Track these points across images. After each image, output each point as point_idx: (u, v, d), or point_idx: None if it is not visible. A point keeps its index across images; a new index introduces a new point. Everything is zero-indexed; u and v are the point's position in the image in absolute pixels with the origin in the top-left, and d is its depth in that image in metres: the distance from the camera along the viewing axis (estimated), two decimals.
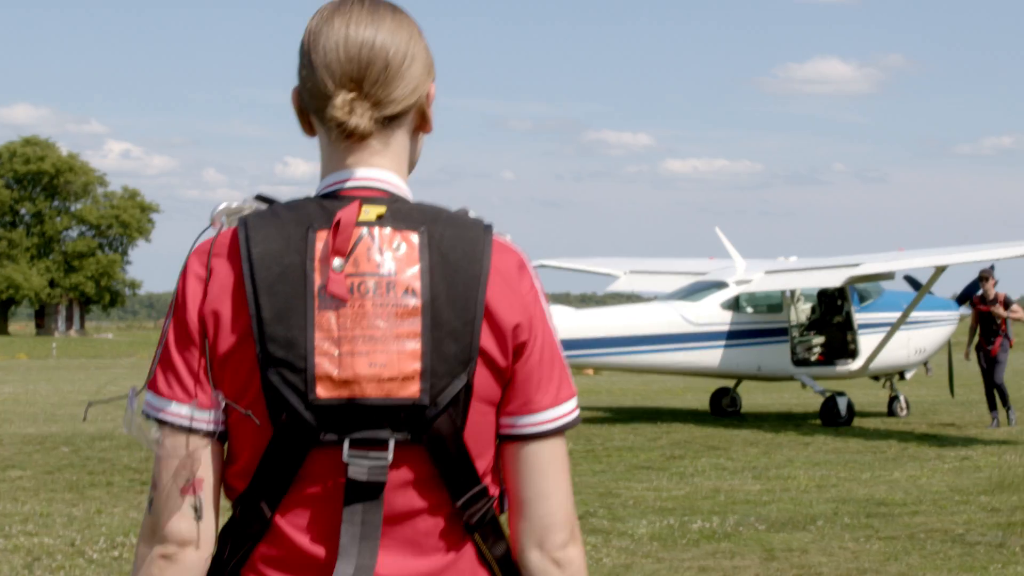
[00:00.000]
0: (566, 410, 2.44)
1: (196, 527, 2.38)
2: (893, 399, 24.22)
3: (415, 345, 2.31)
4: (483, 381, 2.37)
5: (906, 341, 23.18)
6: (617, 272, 26.91)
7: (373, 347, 2.31)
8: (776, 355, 23.42)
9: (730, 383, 25.10)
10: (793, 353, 23.65)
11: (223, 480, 2.43)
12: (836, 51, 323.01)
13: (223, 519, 2.45)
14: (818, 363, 23.72)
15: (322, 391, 2.30)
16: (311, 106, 2.43)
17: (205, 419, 2.36)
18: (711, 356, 23.15)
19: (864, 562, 10.56)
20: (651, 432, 21.52)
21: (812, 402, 26.51)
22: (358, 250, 2.33)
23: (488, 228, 2.41)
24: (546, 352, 2.42)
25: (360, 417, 2.32)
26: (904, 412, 24.02)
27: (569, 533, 2.45)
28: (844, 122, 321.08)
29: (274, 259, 2.31)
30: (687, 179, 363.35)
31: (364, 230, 2.34)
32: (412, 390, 2.31)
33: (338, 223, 2.31)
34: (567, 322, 22.76)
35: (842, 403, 22.68)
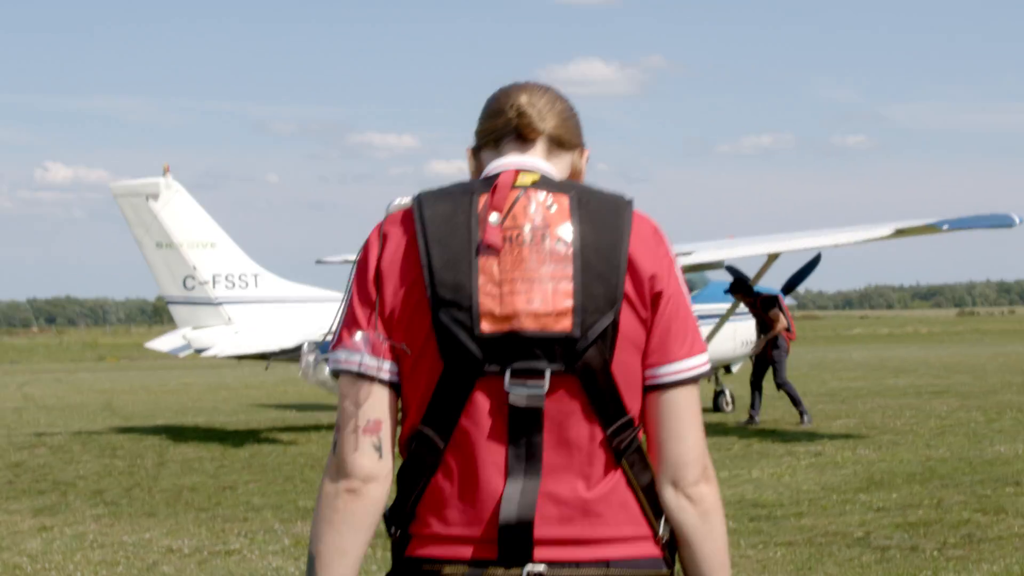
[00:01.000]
0: (699, 362, 2.78)
1: (378, 464, 2.70)
2: (718, 394, 23.18)
3: (567, 285, 2.66)
4: (627, 321, 2.70)
5: (732, 333, 22.14)
6: None
7: (530, 287, 2.66)
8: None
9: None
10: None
11: (404, 413, 2.74)
12: (598, 52, 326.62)
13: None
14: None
15: (486, 326, 2.64)
16: (488, 130, 2.89)
17: (385, 369, 2.71)
18: None
19: (778, 572, 9.45)
20: None
21: None
22: (516, 207, 2.73)
23: (630, 201, 2.77)
24: (681, 308, 2.77)
25: (519, 349, 2.65)
26: (729, 408, 23.08)
27: (701, 471, 2.76)
28: (608, 122, 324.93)
29: (443, 219, 2.71)
30: (453, 180, 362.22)
31: (521, 191, 2.75)
32: (565, 324, 2.65)
33: (496, 186, 2.75)
34: None
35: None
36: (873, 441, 17.66)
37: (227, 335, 20.51)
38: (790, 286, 22.90)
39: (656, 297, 2.75)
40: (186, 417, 24.67)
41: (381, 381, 2.72)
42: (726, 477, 14.42)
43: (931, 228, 17.63)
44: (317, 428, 21.77)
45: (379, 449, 2.70)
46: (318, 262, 27.66)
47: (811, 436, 18.58)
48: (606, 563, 2.71)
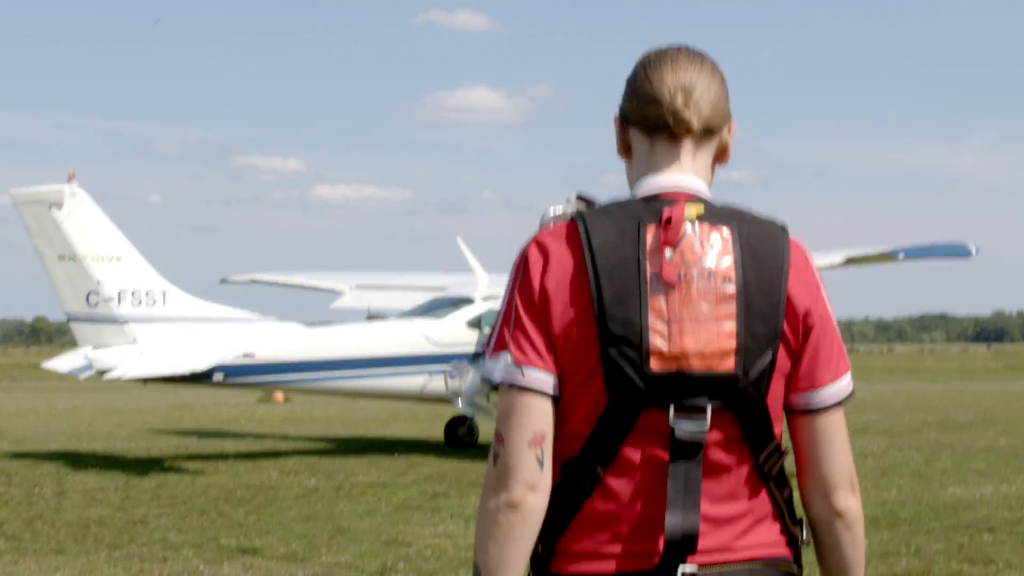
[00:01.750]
0: (844, 384, 2.87)
1: (540, 475, 2.73)
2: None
3: (732, 326, 2.74)
4: (781, 356, 2.81)
5: None
6: (341, 287, 24.32)
7: (697, 327, 2.73)
8: None
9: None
10: None
11: (558, 437, 2.77)
12: (485, 80, 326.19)
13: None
14: None
15: (655, 364, 2.72)
16: (640, 115, 2.88)
17: (551, 383, 2.75)
18: None
19: None
20: (393, 466, 19.15)
21: None
22: (683, 243, 2.76)
23: (784, 228, 2.86)
24: (827, 334, 2.87)
25: (684, 387, 2.73)
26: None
27: (850, 486, 2.89)
28: (494, 151, 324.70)
29: (612, 249, 2.73)
30: (337, 205, 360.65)
31: (687, 226, 2.77)
32: (728, 364, 2.74)
33: (669, 219, 2.75)
34: (296, 341, 20.18)
35: None
36: None
37: (132, 356, 19.20)
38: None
39: (807, 330, 2.85)
40: (81, 443, 23.29)
41: (546, 395, 2.77)
42: None
43: (885, 257, 16.91)
44: (223, 456, 20.56)
45: (541, 461, 2.76)
46: (223, 281, 26.42)
47: None
48: (750, 560, 2.84)
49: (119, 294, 19.57)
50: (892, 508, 14.21)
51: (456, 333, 20.94)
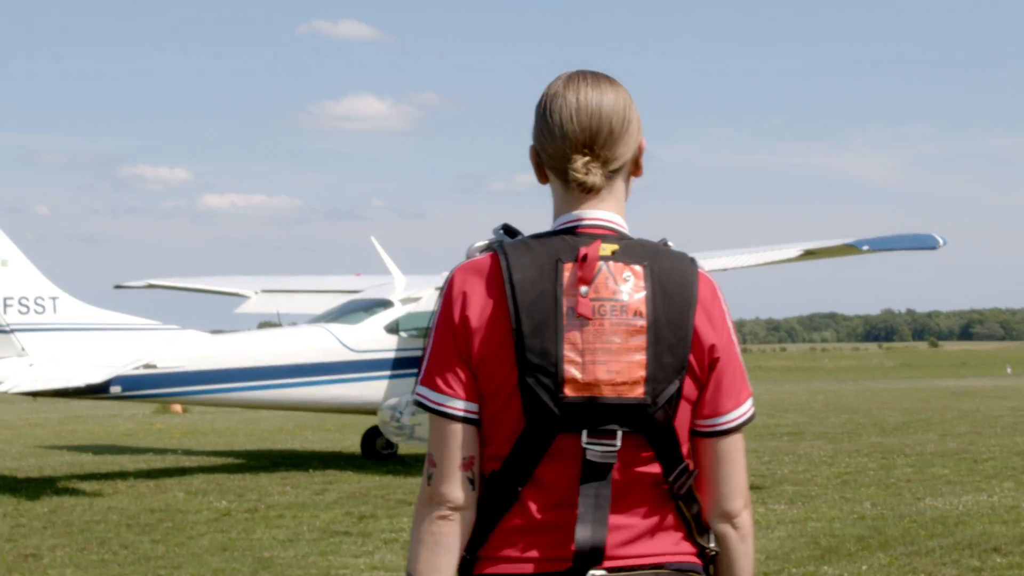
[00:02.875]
0: (745, 409, 3.11)
1: (470, 494, 3.00)
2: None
3: (641, 356, 2.95)
4: (688, 385, 3.02)
5: None
6: (246, 291, 22.58)
7: (609, 358, 2.94)
8: None
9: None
10: None
11: (484, 456, 3.01)
12: (371, 88, 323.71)
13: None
14: None
15: (569, 391, 2.93)
16: (549, 164, 3.08)
17: (474, 411, 2.99)
18: (375, 388, 19.21)
19: None
20: (310, 483, 17.56)
21: None
22: (598, 279, 2.96)
23: (694, 262, 3.05)
24: (730, 364, 3.07)
25: (596, 413, 2.94)
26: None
27: (743, 502, 3.13)
28: (382, 158, 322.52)
29: (531, 284, 2.94)
30: (225, 214, 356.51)
31: (602, 263, 2.97)
32: (638, 392, 2.95)
33: (584, 257, 2.95)
34: (200, 349, 18.49)
35: None
36: (778, 494, 15.52)
37: (21, 368, 17.40)
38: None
39: (713, 362, 3.04)
40: None
41: (472, 422, 2.99)
42: None
43: (848, 249, 15.64)
44: (123, 475, 18.84)
45: (472, 481, 3.00)
46: (117, 287, 24.56)
47: None
48: (659, 566, 3.04)
49: (4, 301, 17.73)
50: (875, 525, 12.91)
51: (373, 338, 19.35)
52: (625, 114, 3.07)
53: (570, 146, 3.03)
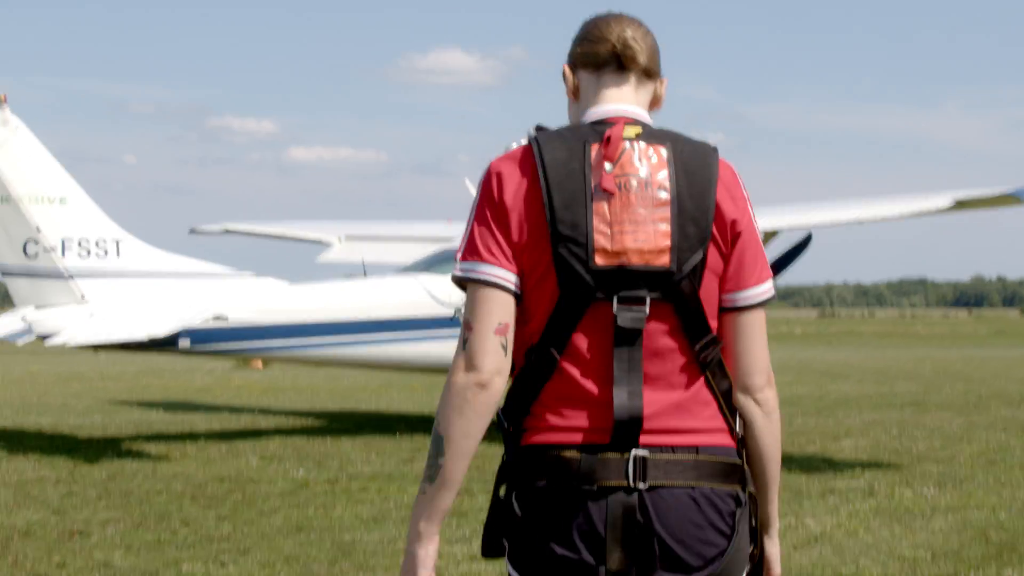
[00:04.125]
0: (766, 287, 3.31)
1: (504, 360, 3.16)
2: None
3: (666, 227, 3.17)
4: (712, 256, 3.22)
5: None
6: (330, 238, 20.91)
7: (636, 228, 3.16)
8: None
9: None
10: None
11: (520, 330, 3.19)
12: (458, 42, 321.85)
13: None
14: None
15: (599, 259, 3.14)
16: (588, 54, 3.33)
17: (514, 281, 3.18)
18: None
19: None
20: (396, 451, 15.95)
21: None
22: (623, 157, 3.19)
23: (715, 149, 3.28)
24: (751, 243, 3.29)
25: (626, 279, 3.15)
26: None
27: (766, 379, 3.32)
28: (469, 113, 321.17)
29: (561, 164, 3.17)
30: (312, 167, 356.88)
31: (627, 143, 3.20)
32: (664, 260, 3.16)
33: (608, 137, 3.19)
34: (276, 301, 16.87)
35: None
36: (922, 474, 13.70)
37: (80, 318, 15.81)
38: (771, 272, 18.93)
39: (735, 237, 3.26)
40: (28, 417, 20.09)
41: (508, 290, 3.16)
42: None
43: (1007, 199, 13.76)
44: (193, 437, 17.34)
45: (505, 348, 3.15)
46: (192, 231, 22.98)
47: (829, 463, 14.61)
48: (695, 448, 3.20)
49: (63, 243, 16.15)
50: None
51: None
52: (655, 43, 3.37)
53: (614, 33, 3.31)
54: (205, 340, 16.04)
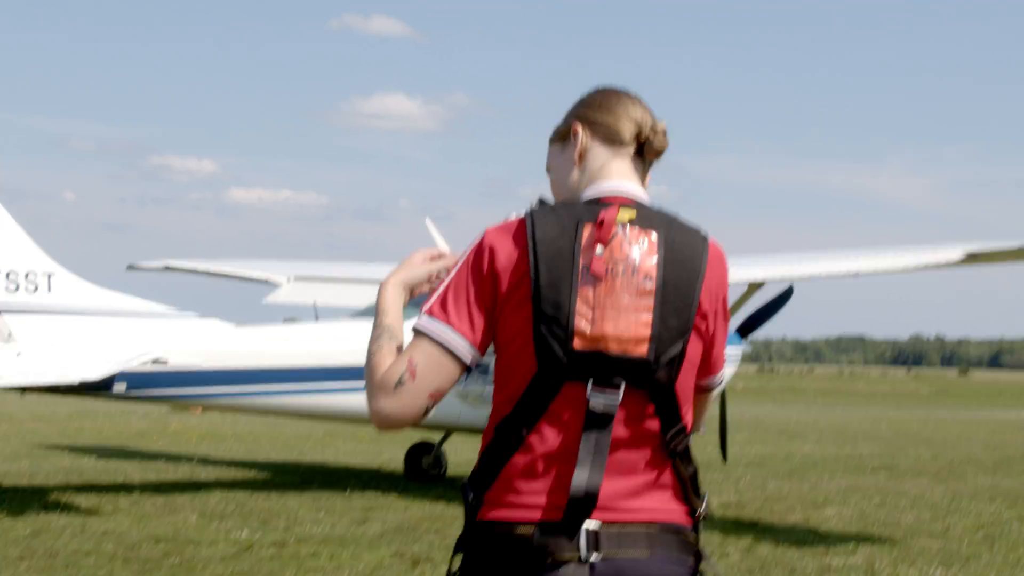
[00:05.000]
0: (721, 376, 3.52)
1: (419, 418, 3.21)
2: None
3: (648, 317, 3.17)
4: (692, 348, 3.27)
5: None
6: (278, 278, 19.64)
7: (618, 315, 3.16)
8: None
9: (435, 435, 18.41)
10: None
11: (497, 404, 3.25)
12: (402, 87, 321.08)
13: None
14: None
15: (578, 343, 3.15)
16: (608, 130, 3.37)
17: (470, 356, 3.21)
18: None
19: None
20: (347, 509, 14.74)
21: None
22: (614, 242, 3.18)
23: (705, 238, 3.30)
24: (723, 337, 3.42)
25: (602, 365, 3.16)
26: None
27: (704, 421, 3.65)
28: (411, 159, 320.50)
29: (552, 242, 3.17)
30: (252, 209, 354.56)
31: (619, 227, 3.20)
32: (642, 350, 3.17)
33: (602, 221, 3.19)
34: (221, 344, 15.62)
35: None
36: (920, 551, 12.62)
37: (7, 357, 14.54)
38: (748, 327, 17.86)
39: (713, 332, 3.35)
40: None
41: (461, 362, 3.19)
42: None
43: (1019, 253, 12.78)
44: (127, 488, 16.04)
45: (428, 411, 3.22)
46: (130, 267, 21.63)
47: (817, 535, 13.53)
48: (648, 523, 3.22)
49: None
50: None
51: None
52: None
53: (637, 116, 3.37)
54: (143, 384, 14.77)
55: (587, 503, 3.15)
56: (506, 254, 3.21)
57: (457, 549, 3.28)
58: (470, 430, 17.03)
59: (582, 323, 3.14)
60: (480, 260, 3.21)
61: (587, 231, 3.19)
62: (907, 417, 42.21)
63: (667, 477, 3.27)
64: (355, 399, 15.93)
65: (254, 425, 28.14)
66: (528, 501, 3.20)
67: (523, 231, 3.21)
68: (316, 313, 17.80)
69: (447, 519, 14.12)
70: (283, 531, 13.01)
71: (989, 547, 12.99)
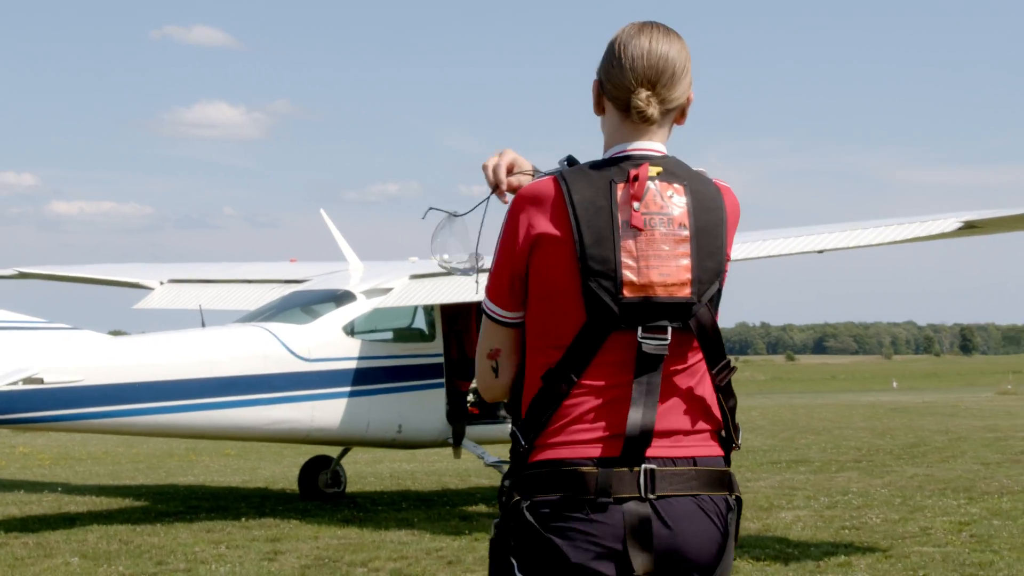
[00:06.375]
0: None
1: (492, 379, 3.59)
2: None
3: (687, 261, 3.42)
4: (723, 287, 3.52)
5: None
6: (149, 281, 17.60)
7: (660, 263, 3.40)
8: (426, 408, 14.95)
9: (334, 450, 16.55)
10: (451, 403, 15.25)
11: (539, 351, 3.48)
12: (224, 95, 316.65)
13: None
14: (484, 418, 15.42)
15: (627, 292, 3.38)
16: (612, 95, 3.53)
17: (516, 317, 3.53)
18: (331, 411, 14.40)
19: None
20: (251, 541, 12.87)
21: (494, 480, 18.50)
22: (647, 197, 3.43)
23: (719, 185, 3.56)
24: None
25: (650, 310, 3.40)
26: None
27: None
28: (234, 166, 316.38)
29: (590, 202, 3.41)
30: (74, 221, 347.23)
31: (650, 183, 3.45)
32: (686, 291, 3.42)
33: (636, 177, 3.43)
34: (100, 359, 13.54)
35: None
36: (926, 563, 11.16)
37: None
38: None
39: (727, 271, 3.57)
40: None
41: (513, 325, 3.54)
42: None
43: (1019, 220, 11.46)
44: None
45: (495, 369, 3.57)
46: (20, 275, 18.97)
47: (798, 548, 12.03)
48: (693, 460, 3.47)
49: None
50: None
51: (330, 343, 14.57)
52: (685, 64, 3.55)
53: (636, 80, 3.50)
54: (15, 408, 12.66)
55: (644, 440, 3.39)
56: (543, 220, 3.44)
57: (511, 490, 3.46)
58: (375, 444, 15.25)
59: (629, 274, 3.39)
60: (515, 228, 3.47)
61: (621, 188, 3.44)
62: (767, 404, 41.54)
63: (712, 409, 3.52)
64: (250, 414, 14.02)
65: (107, 444, 25.90)
66: (586, 438, 3.41)
67: (557, 193, 3.44)
68: (203, 319, 15.80)
69: (369, 547, 12.33)
70: (185, 573, 11.11)
71: (990, 550, 11.58)
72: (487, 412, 15.46)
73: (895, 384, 69.94)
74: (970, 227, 12.16)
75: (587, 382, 3.42)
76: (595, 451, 3.39)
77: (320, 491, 16.22)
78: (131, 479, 19.27)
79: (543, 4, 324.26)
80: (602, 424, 3.41)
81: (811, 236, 13.37)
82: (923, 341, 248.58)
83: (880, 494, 15.88)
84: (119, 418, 13.44)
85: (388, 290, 15.04)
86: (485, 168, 3.64)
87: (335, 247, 16.91)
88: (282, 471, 20.26)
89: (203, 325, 15.43)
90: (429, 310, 15.26)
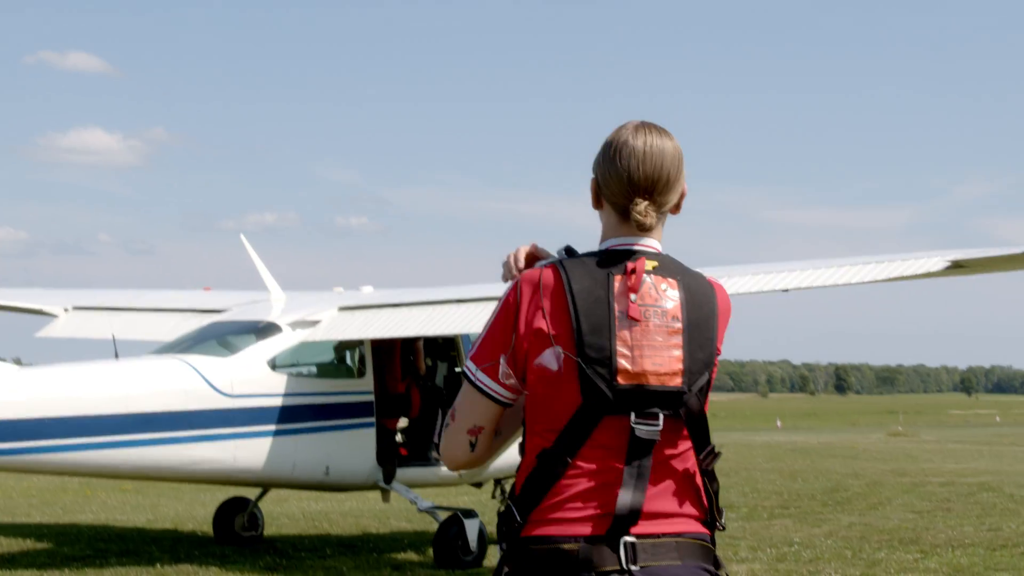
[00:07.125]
0: None
1: (468, 454, 3.69)
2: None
3: (679, 352, 3.57)
4: (711, 379, 3.67)
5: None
6: (52, 308, 16.48)
7: (654, 352, 3.55)
8: (356, 448, 13.98)
9: (251, 490, 15.52)
10: (381, 443, 14.30)
11: (536, 433, 3.59)
12: (99, 122, 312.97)
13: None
14: (414, 460, 14.48)
15: (621, 379, 3.52)
16: (610, 199, 3.68)
17: (506, 396, 3.63)
18: (255, 450, 13.36)
19: None
20: None
21: (416, 524, 17.49)
22: (643, 289, 3.58)
23: (710, 281, 3.72)
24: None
25: (643, 398, 3.53)
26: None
27: None
28: (110, 193, 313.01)
29: (588, 293, 3.56)
30: None
31: (646, 276, 3.60)
32: (677, 381, 3.56)
33: (633, 270, 3.59)
34: (4, 391, 12.43)
35: (472, 529, 13.64)
36: None
37: None
38: None
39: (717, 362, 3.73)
40: None
41: (502, 404, 3.64)
42: None
43: (1017, 259, 10.87)
44: None
45: (472, 445, 3.67)
46: None
47: None
48: (677, 534, 3.57)
49: None
50: None
51: (254, 377, 13.52)
52: (679, 167, 3.70)
53: (634, 190, 3.64)
54: None
55: (630, 520, 3.53)
56: (546, 307, 3.58)
57: (501, 566, 3.59)
58: (301, 486, 14.28)
59: (624, 362, 3.53)
60: (516, 311, 3.60)
61: (618, 280, 3.60)
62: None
63: (695, 494, 3.63)
64: (168, 452, 12.99)
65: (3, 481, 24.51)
66: (576, 516, 3.53)
67: (558, 282, 3.59)
68: (116, 348, 14.70)
69: None
70: None
71: None
72: (417, 454, 14.57)
73: (779, 423, 70.14)
74: (957, 266, 11.55)
75: (580, 463, 3.55)
76: (584, 529, 3.53)
77: (237, 535, 15.19)
78: (27, 516, 18.07)
79: (417, 35, 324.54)
80: (593, 504, 3.54)
81: (782, 274, 12.67)
82: (798, 380, 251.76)
83: (826, 545, 15.16)
84: (26, 455, 12.34)
85: (316, 322, 14.08)
86: (507, 263, 3.79)
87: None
88: (186, 509, 19.17)
89: (116, 356, 14.37)
90: (359, 344, 14.34)
